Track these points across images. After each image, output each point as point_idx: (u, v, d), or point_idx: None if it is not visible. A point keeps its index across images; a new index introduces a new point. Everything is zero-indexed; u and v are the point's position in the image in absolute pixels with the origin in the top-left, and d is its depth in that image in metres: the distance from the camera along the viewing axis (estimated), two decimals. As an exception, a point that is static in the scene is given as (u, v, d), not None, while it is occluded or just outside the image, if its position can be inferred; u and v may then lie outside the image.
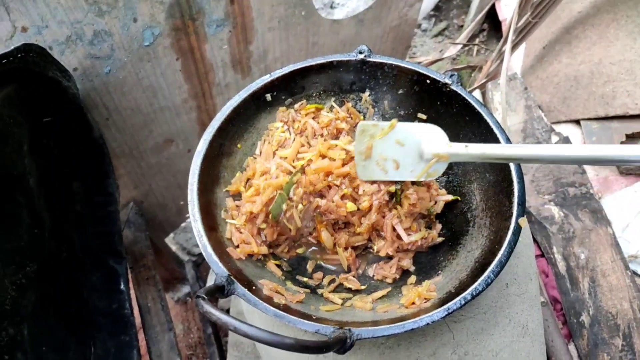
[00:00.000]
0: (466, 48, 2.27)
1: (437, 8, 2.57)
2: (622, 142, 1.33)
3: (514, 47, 1.61)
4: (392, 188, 0.83)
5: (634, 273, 1.21)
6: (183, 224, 1.59)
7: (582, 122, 1.43)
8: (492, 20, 2.31)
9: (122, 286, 1.15)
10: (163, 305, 1.15)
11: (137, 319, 1.14)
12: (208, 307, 0.55)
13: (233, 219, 0.83)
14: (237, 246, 0.80)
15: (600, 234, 1.24)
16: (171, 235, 1.58)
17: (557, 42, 1.60)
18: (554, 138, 1.38)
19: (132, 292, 1.16)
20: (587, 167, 1.38)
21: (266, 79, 0.90)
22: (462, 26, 2.46)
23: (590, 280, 1.20)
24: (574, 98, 1.46)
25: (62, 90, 0.93)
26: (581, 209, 1.28)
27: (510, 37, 1.47)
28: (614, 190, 1.35)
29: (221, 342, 1.41)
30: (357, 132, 0.77)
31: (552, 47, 1.61)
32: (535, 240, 1.31)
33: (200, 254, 1.67)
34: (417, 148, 0.72)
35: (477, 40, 2.32)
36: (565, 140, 1.37)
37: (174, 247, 1.59)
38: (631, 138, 1.33)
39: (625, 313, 1.14)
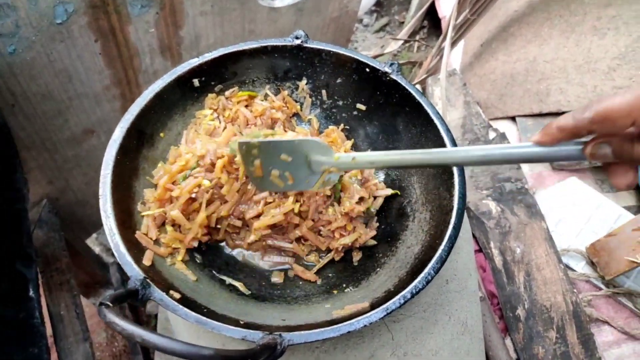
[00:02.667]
0: (407, 44, 2.28)
1: (378, 4, 2.56)
2: (555, 138, 1.36)
3: (453, 43, 1.62)
4: (329, 191, 0.79)
5: (567, 266, 1.24)
6: (108, 224, 1.47)
7: (517, 118, 1.45)
8: (432, 17, 2.34)
9: (31, 293, 1.02)
10: (78, 312, 1.03)
11: (49, 329, 1.02)
12: (112, 317, 0.47)
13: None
14: (156, 241, 0.72)
15: (535, 229, 1.26)
16: (94, 235, 1.46)
17: (494, 39, 1.62)
18: (492, 134, 1.39)
19: (43, 299, 1.03)
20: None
21: (194, 62, 0.82)
22: (403, 22, 2.46)
23: (525, 274, 1.21)
24: (510, 95, 1.48)
25: (-48, 69, 0.80)
26: (517, 203, 1.30)
27: (450, 33, 1.47)
28: (547, 186, 1.38)
29: (148, 350, 1.31)
30: (239, 152, 0.72)
31: (489, 45, 1.63)
32: (473, 236, 1.31)
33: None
34: (304, 162, 0.68)
35: (417, 37, 2.34)
36: (502, 136, 1.38)
37: (97, 249, 1.46)
38: (563, 134, 1.36)
39: (558, 306, 1.16)
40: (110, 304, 0.49)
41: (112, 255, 1.51)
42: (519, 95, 1.45)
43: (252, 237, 0.77)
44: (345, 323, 0.61)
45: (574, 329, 1.14)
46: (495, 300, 1.25)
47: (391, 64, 0.85)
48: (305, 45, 0.87)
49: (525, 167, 1.41)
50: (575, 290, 1.18)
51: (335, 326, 0.60)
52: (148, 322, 1.50)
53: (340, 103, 0.92)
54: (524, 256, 1.24)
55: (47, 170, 1.16)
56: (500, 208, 1.30)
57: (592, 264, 1.23)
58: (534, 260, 1.23)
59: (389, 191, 0.86)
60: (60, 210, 1.24)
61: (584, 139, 0.50)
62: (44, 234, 1.12)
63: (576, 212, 1.32)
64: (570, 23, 1.39)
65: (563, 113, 1.37)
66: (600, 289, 1.21)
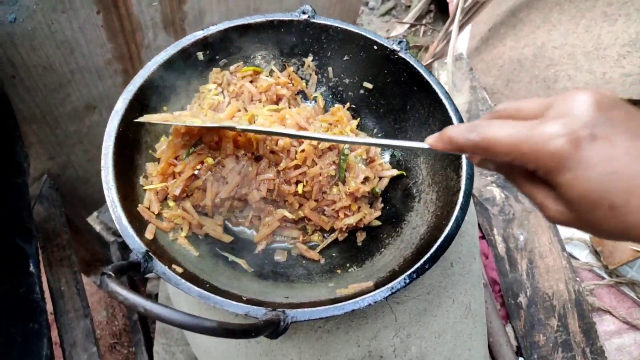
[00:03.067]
0: (413, 28, 2.24)
1: (385, -13, 2.53)
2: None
3: (461, 27, 1.59)
4: (333, 171, 0.77)
5: (570, 255, 1.23)
6: (108, 202, 1.45)
7: (523, 105, 1.43)
8: (438, 1, 2.30)
9: (31, 268, 1.01)
10: (79, 289, 1.03)
11: (49, 305, 1.01)
12: (114, 286, 0.46)
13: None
14: (158, 214, 0.71)
15: (539, 216, 1.25)
16: (95, 213, 1.44)
17: (502, 25, 1.60)
18: (498, 120, 1.37)
19: (43, 274, 1.02)
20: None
21: (199, 34, 0.80)
22: (409, 7, 2.43)
23: (528, 261, 1.20)
24: (517, 81, 1.46)
25: (-49, 36, 0.78)
26: (521, 190, 1.28)
27: (458, 16, 1.44)
28: (552, 174, 1.36)
29: (148, 329, 1.30)
30: None
31: (497, 30, 1.61)
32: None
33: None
34: None
35: (424, 21, 2.30)
36: (508, 122, 1.37)
37: (97, 227, 1.45)
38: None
39: (561, 294, 1.15)
40: (113, 274, 0.48)
41: (113, 233, 1.50)
42: (526, 81, 1.43)
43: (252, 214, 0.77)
44: (349, 301, 0.60)
45: (576, 317, 1.13)
46: (497, 287, 1.25)
47: (399, 42, 0.83)
48: (313, 20, 0.85)
49: (530, 154, 1.39)
50: (578, 279, 1.17)
51: (339, 304, 0.59)
52: (149, 298, 1.50)
53: (347, 81, 0.90)
54: (527, 244, 1.23)
55: (48, 145, 1.15)
56: (504, 195, 1.29)
57: (596, 253, 1.22)
58: (537, 248, 1.22)
59: (395, 172, 0.85)
60: (61, 187, 1.23)
61: None
62: (45, 210, 1.11)
63: (581, 200, 1.31)
64: (581, 9, 1.37)
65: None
66: (603, 278, 1.20)
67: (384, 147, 0.78)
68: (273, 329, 0.54)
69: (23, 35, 0.92)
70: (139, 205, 0.69)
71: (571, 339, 1.10)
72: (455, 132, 0.47)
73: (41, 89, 1.03)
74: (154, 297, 1.50)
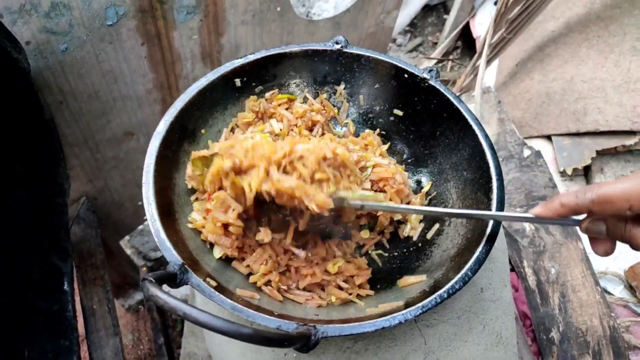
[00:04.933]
0: (440, 64, 2.28)
1: (412, 24, 2.59)
2: (592, 158, 1.33)
3: (488, 62, 1.62)
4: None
5: (604, 290, 1.20)
6: (140, 227, 1.49)
7: (553, 137, 1.43)
8: (465, 38, 2.35)
9: (65, 286, 1.04)
10: (110, 307, 1.05)
11: (81, 322, 1.03)
12: (155, 290, 0.48)
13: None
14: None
15: (571, 249, 1.23)
16: (126, 238, 1.48)
17: (529, 59, 1.62)
18: (526, 151, 1.37)
19: (76, 293, 1.05)
20: (557, 182, 1.37)
21: (237, 62, 0.85)
22: (436, 43, 2.48)
23: (560, 295, 1.17)
24: (546, 114, 1.46)
25: (11, 62, 0.84)
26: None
27: (486, 50, 1.47)
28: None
29: (173, 353, 1.31)
30: None
31: (524, 65, 1.63)
32: (505, 254, 1.28)
33: (157, 259, 1.57)
34: None
35: (450, 57, 2.35)
36: (537, 154, 1.36)
37: (129, 251, 1.48)
38: (601, 154, 1.33)
39: (595, 330, 1.12)
40: (153, 280, 0.50)
41: (143, 258, 1.53)
42: (555, 114, 1.43)
43: None
44: (380, 319, 0.60)
45: (611, 355, 1.09)
46: (528, 322, 1.22)
47: (430, 70, 0.85)
48: (345, 50, 0.88)
49: (561, 187, 1.38)
50: (612, 315, 1.14)
51: (370, 321, 0.59)
52: (174, 326, 1.51)
53: (378, 108, 0.93)
54: (559, 277, 1.20)
55: (88, 169, 1.20)
56: (534, 227, 1.28)
57: (631, 288, 1.19)
58: (570, 282, 1.19)
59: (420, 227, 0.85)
60: (97, 210, 1.27)
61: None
62: (81, 230, 1.15)
63: (614, 234, 1.28)
64: (609, 43, 1.38)
65: (601, 133, 1.35)
66: (639, 314, 1.16)
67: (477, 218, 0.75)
68: (305, 342, 0.55)
69: (72, 63, 0.98)
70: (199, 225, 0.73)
71: (607, 377, 1.06)
72: (567, 197, 0.55)
73: (85, 115, 1.09)
74: (179, 322, 1.51)
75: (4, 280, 0.95)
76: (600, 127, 1.33)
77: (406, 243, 0.83)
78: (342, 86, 0.93)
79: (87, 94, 1.06)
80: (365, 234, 0.82)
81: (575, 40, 1.47)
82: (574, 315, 1.14)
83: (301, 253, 0.75)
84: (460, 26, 2.12)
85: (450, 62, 2.31)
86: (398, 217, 0.85)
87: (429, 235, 0.81)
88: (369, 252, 0.83)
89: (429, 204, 0.86)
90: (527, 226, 1.27)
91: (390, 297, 0.71)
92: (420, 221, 0.85)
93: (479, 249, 0.66)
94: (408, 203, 0.86)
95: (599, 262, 1.24)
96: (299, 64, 0.90)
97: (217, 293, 0.60)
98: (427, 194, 0.87)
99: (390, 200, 0.82)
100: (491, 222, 0.68)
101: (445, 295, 0.62)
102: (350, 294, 0.73)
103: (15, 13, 0.85)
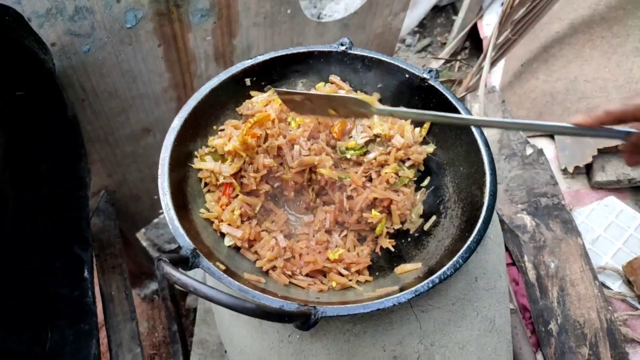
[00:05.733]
0: (448, 64, 2.32)
1: (421, 25, 2.63)
2: (594, 156, 1.36)
3: (494, 62, 1.65)
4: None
5: (602, 284, 1.23)
6: (156, 220, 1.56)
7: (555, 136, 1.47)
8: (474, 39, 2.38)
9: (85, 274, 1.11)
10: (127, 294, 1.11)
11: (100, 308, 1.10)
12: (169, 269, 0.54)
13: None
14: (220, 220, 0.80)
15: (571, 244, 1.26)
16: (142, 230, 1.55)
17: (534, 60, 1.65)
18: (529, 150, 1.41)
19: (95, 280, 1.12)
20: (559, 180, 1.40)
21: (247, 62, 0.90)
22: (445, 44, 2.52)
23: (559, 289, 1.21)
24: (550, 113, 1.49)
25: (38, 63, 0.91)
26: (552, 219, 1.30)
27: (490, 51, 1.51)
28: (585, 204, 1.37)
29: (186, 340, 1.37)
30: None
31: (529, 65, 1.66)
32: (507, 249, 1.32)
33: (171, 251, 1.64)
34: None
35: (459, 57, 2.38)
36: (539, 152, 1.40)
37: (144, 243, 1.55)
38: (603, 152, 1.36)
39: (592, 322, 1.15)
40: (167, 260, 0.56)
41: (159, 250, 1.60)
42: (559, 114, 1.46)
43: None
44: (375, 301, 0.65)
45: (608, 346, 1.12)
46: (527, 315, 1.25)
47: (429, 71, 0.90)
48: (350, 51, 0.93)
49: (562, 185, 1.41)
50: (610, 308, 1.17)
51: (366, 303, 0.64)
52: (187, 315, 1.58)
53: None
54: (558, 271, 1.24)
55: (108, 164, 1.27)
56: (535, 222, 1.31)
57: (629, 283, 1.22)
58: (569, 276, 1.22)
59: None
60: (116, 203, 1.34)
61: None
62: (101, 222, 1.22)
63: (614, 231, 1.31)
64: (612, 44, 1.41)
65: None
66: (637, 308, 1.19)
67: (518, 129, 0.78)
68: (305, 320, 0.60)
69: (94, 64, 1.05)
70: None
71: (603, 368, 1.09)
72: (612, 104, 0.51)
73: (106, 113, 1.15)
74: (192, 311, 1.57)
75: (30, 269, 1.02)
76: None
77: (404, 234, 0.88)
78: (347, 86, 0.98)
79: (107, 93, 1.12)
80: (375, 215, 0.86)
81: (579, 41, 1.50)
82: (572, 308, 1.18)
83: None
84: (468, 27, 2.15)
85: (458, 62, 2.34)
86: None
87: (426, 227, 0.85)
88: (379, 240, 0.87)
89: (427, 198, 0.90)
90: (528, 222, 1.31)
91: (387, 283, 0.76)
92: (420, 216, 0.89)
93: (470, 238, 0.71)
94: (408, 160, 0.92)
95: (598, 257, 1.27)
96: (306, 65, 0.95)
97: (225, 275, 0.66)
98: (427, 187, 0.92)
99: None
100: (483, 213, 0.73)
101: (437, 281, 0.67)
102: (350, 280, 0.78)
103: (42, 17, 0.91)
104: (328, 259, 0.80)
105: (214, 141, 0.86)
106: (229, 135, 0.85)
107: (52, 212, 1.08)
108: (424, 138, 0.93)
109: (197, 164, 0.83)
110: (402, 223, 0.88)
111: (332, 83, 0.96)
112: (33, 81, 0.93)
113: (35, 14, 0.90)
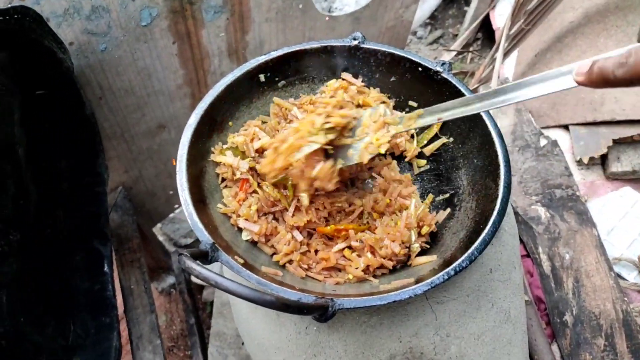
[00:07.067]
0: (460, 56, 2.31)
1: (433, 17, 2.62)
2: (609, 147, 1.35)
3: (507, 53, 1.64)
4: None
5: (618, 275, 1.22)
6: (171, 215, 1.58)
7: (570, 127, 1.46)
8: (486, 30, 2.36)
9: (105, 268, 1.13)
10: (146, 287, 1.14)
11: (120, 301, 1.13)
12: (190, 263, 0.55)
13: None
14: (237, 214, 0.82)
15: (586, 236, 1.26)
16: (159, 225, 1.58)
17: (548, 50, 1.63)
18: (543, 141, 1.40)
19: (115, 274, 1.14)
20: (574, 171, 1.39)
21: (261, 59, 0.91)
22: (457, 35, 2.50)
23: (574, 280, 1.21)
24: (563, 104, 1.48)
25: (57, 62, 0.93)
26: (567, 210, 1.30)
27: (503, 42, 1.50)
28: (599, 195, 1.37)
29: (203, 333, 1.40)
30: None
31: (543, 55, 1.64)
32: (521, 241, 1.32)
33: (187, 246, 1.66)
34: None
35: (471, 49, 2.36)
36: (554, 143, 1.39)
37: (161, 238, 1.58)
38: (618, 143, 1.35)
39: (608, 313, 1.15)
40: (188, 254, 0.57)
41: (174, 244, 1.62)
42: (572, 104, 1.45)
43: None
44: (392, 293, 0.66)
45: (624, 337, 1.12)
46: (542, 306, 1.25)
47: (442, 64, 0.90)
48: (362, 45, 0.94)
49: (577, 176, 1.41)
50: (626, 299, 1.17)
51: (383, 295, 0.65)
52: (204, 308, 1.60)
53: (393, 100, 0.98)
54: (573, 262, 1.24)
55: (124, 160, 1.29)
56: (549, 214, 1.31)
57: (645, 274, 1.21)
58: (584, 267, 1.22)
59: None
60: (132, 198, 1.36)
61: None
62: (119, 217, 1.24)
63: (629, 222, 1.30)
64: (627, 33, 1.39)
65: (618, 122, 1.37)
66: (654, 299, 1.19)
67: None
68: (322, 312, 0.61)
69: (111, 62, 1.07)
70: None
71: (619, 359, 1.09)
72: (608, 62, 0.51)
73: (122, 110, 1.17)
74: (209, 304, 1.60)
75: (52, 263, 1.04)
76: (617, 116, 1.35)
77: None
78: (360, 79, 0.98)
79: (123, 90, 1.14)
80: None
81: (593, 30, 1.48)
82: (587, 299, 1.18)
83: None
84: (480, 18, 2.13)
85: (470, 54, 2.33)
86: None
87: (439, 219, 0.86)
88: None
89: (440, 193, 0.91)
90: (542, 213, 1.30)
91: (403, 275, 0.77)
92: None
93: (485, 230, 0.71)
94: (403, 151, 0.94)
95: (613, 249, 1.27)
96: (319, 60, 0.96)
97: (244, 269, 0.67)
98: (439, 177, 0.92)
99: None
100: (498, 205, 0.73)
101: (452, 273, 0.68)
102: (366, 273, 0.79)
103: (60, 17, 0.93)
104: (344, 256, 0.81)
105: (235, 138, 0.87)
106: (251, 135, 0.87)
107: (72, 208, 1.11)
108: (436, 134, 0.93)
109: (216, 157, 0.85)
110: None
111: (343, 80, 0.96)
112: (52, 80, 0.95)
113: (54, 14, 0.91)
